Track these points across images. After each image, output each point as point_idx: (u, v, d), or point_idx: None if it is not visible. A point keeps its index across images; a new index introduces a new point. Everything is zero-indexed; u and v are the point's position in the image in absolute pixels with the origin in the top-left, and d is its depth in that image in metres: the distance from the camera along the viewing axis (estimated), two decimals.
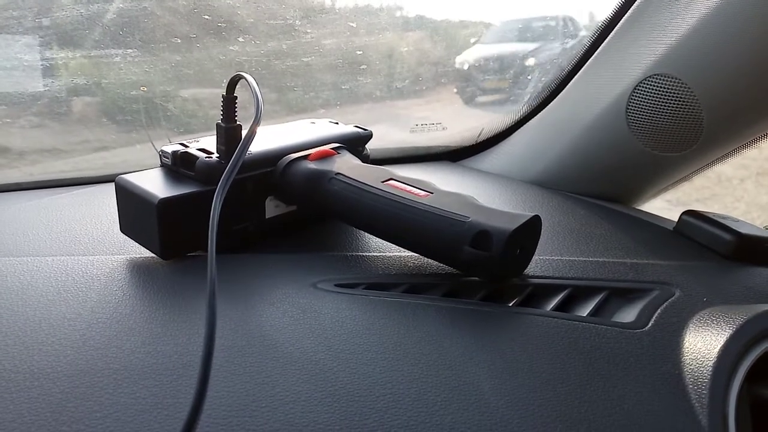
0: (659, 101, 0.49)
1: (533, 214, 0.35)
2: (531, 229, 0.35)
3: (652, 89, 0.49)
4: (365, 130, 0.45)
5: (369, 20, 0.67)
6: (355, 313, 0.32)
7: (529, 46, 0.77)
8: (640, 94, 0.50)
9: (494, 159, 0.65)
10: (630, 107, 0.51)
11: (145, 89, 0.55)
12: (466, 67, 0.77)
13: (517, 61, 0.74)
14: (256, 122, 0.33)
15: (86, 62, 0.59)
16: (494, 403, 0.27)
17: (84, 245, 0.38)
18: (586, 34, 0.58)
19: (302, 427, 0.25)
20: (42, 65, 0.58)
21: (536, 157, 0.59)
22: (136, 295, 0.32)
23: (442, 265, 0.37)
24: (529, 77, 0.71)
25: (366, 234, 0.41)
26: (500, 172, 0.63)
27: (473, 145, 0.68)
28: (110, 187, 0.37)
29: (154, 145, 0.58)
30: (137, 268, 0.35)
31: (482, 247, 0.33)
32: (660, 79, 0.48)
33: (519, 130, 0.62)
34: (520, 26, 0.81)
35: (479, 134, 0.67)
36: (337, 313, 0.31)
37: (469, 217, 0.34)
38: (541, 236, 0.37)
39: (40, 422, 0.24)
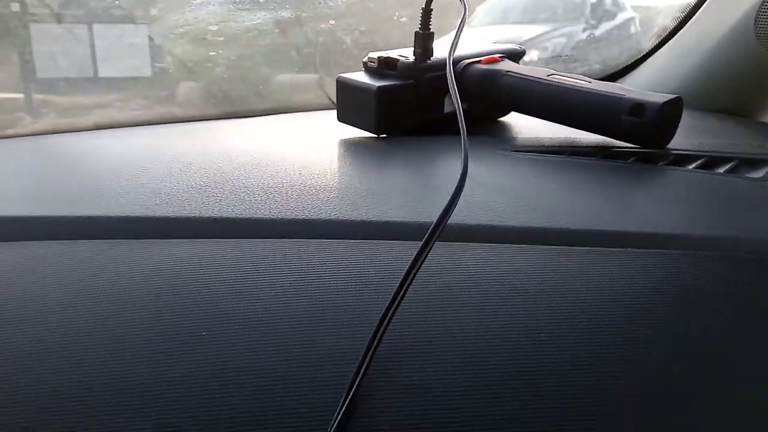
0: None
1: (677, 95, 0.43)
2: (675, 106, 0.43)
3: None
4: (521, 47, 0.55)
5: None
6: (536, 168, 0.41)
7: None
8: None
9: (629, 84, 0.71)
10: (759, 20, 0.56)
11: (333, 23, 0.67)
12: None
13: None
14: (460, 29, 0.43)
15: None
16: (654, 218, 0.34)
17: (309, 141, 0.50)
18: None
19: None
20: None
21: (666, 80, 0.66)
22: (356, 165, 0.42)
23: (599, 139, 0.46)
24: None
25: (522, 124, 0.51)
26: None
27: (611, 74, 0.75)
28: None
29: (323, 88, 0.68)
30: (354, 145, 0.46)
31: (638, 115, 0.41)
32: None
33: (652, 56, 0.69)
34: None
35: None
36: (518, 167, 0.41)
37: (625, 95, 0.42)
38: (678, 123, 0.45)
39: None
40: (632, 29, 0.94)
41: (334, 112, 0.50)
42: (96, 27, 0.79)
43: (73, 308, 0.25)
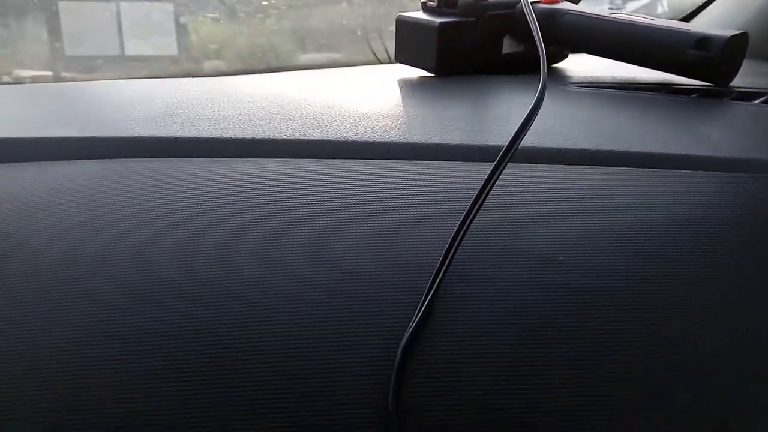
0: None
1: (743, 30, 0.42)
2: (741, 41, 0.42)
3: None
4: None
5: None
6: (600, 100, 0.40)
7: None
8: None
9: None
10: None
11: None
12: None
13: None
14: None
15: None
16: (723, 144, 0.32)
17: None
18: None
19: None
20: None
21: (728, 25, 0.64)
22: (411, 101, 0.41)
23: (660, 77, 0.45)
24: None
25: (578, 68, 0.50)
26: None
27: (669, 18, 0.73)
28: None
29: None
30: (415, 83, 0.45)
31: (704, 49, 0.40)
32: None
33: (711, 3, 0.67)
34: None
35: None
36: (582, 99, 0.40)
37: (690, 29, 0.41)
38: (743, 59, 0.44)
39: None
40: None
41: (384, 67, 0.49)
42: (123, 5, 0.79)
43: (161, 220, 0.25)
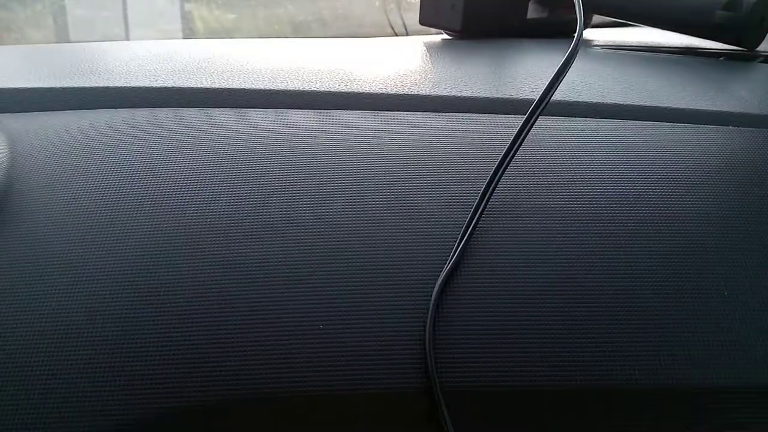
0: None
1: None
2: None
3: None
4: None
5: None
6: (628, 59, 0.39)
7: None
8: None
9: None
10: None
11: None
12: None
13: None
14: None
15: None
16: (753, 101, 0.32)
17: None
18: None
19: None
20: None
21: None
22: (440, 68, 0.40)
23: (686, 41, 0.44)
24: None
25: (601, 36, 0.49)
26: None
27: None
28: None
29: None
30: (441, 44, 0.44)
31: (732, 9, 0.40)
32: None
33: None
34: None
35: None
36: (610, 58, 0.39)
37: None
38: None
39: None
40: None
41: (404, 38, 0.48)
42: None
43: (181, 167, 0.24)
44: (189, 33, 0.78)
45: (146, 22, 0.80)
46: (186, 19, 0.79)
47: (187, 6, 0.79)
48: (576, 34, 0.29)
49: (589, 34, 0.53)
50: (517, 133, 0.25)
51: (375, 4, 0.63)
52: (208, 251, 0.21)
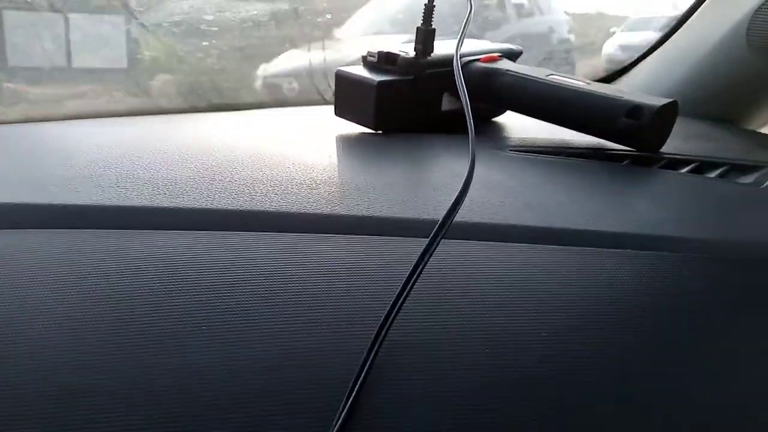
0: None
1: (673, 99, 0.42)
2: (671, 110, 0.43)
3: None
4: (518, 47, 0.54)
5: None
6: (533, 167, 0.40)
7: None
8: (762, 15, 0.55)
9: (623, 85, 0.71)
10: (751, 29, 0.56)
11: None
12: None
13: None
14: (466, 26, 0.42)
15: None
16: (650, 220, 0.34)
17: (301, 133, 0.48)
18: None
19: None
20: None
21: (659, 84, 0.65)
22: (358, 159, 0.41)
23: (593, 141, 0.45)
24: None
25: (515, 125, 0.50)
26: None
27: (605, 76, 0.74)
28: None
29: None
30: (352, 140, 0.45)
31: (635, 118, 0.40)
32: None
33: (643, 60, 0.68)
34: None
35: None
36: (515, 166, 0.40)
37: (623, 96, 0.41)
38: (672, 126, 0.44)
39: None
40: None
41: (327, 108, 0.48)
42: (72, 16, 0.76)
43: (68, 297, 0.24)
44: (136, 59, 0.77)
45: (90, 49, 0.78)
46: (132, 45, 0.78)
47: (134, 33, 0.78)
48: (465, 179, 0.30)
49: (505, 118, 0.53)
50: (419, 258, 0.26)
51: None
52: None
